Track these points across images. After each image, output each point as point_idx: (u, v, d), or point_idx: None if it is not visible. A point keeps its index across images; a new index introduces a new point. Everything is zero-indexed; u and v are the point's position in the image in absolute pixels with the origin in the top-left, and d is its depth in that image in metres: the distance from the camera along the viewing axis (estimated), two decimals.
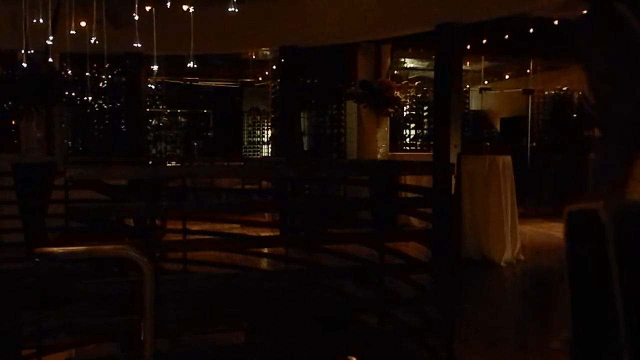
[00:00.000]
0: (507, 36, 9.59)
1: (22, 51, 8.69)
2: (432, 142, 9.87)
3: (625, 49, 1.44)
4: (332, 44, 10.20)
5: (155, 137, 14.33)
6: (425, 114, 12.89)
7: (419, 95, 12.89)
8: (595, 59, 1.47)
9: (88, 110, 12.92)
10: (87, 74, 9.97)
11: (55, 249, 1.80)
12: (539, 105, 12.69)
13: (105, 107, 13.06)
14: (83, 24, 8.75)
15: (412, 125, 12.83)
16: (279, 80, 11.32)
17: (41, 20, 8.40)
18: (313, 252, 5.42)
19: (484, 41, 9.64)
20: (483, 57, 12.11)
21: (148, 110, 12.97)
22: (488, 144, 8.09)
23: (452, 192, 4.38)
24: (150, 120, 13.94)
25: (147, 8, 8.33)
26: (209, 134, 15.89)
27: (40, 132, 10.03)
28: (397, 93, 10.11)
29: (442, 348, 3.25)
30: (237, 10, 7.55)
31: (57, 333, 4.69)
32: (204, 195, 9.15)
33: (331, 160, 10.71)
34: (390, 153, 10.58)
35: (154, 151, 13.98)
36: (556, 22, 8.71)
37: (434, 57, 9.07)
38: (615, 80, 1.44)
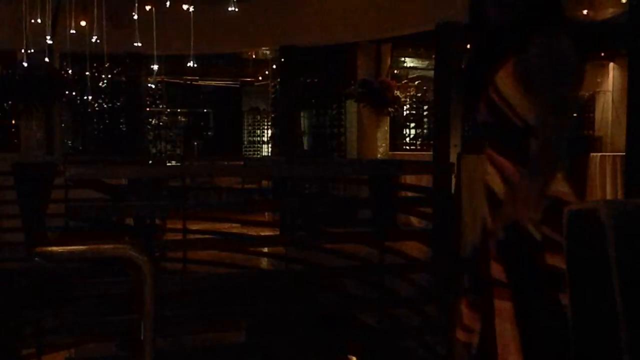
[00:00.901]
0: None
1: (22, 51, 8.70)
2: (432, 142, 9.86)
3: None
4: (332, 44, 10.19)
5: (155, 136, 14.33)
6: (425, 113, 12.87)
7: (419, 95, 12.86)
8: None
9: (88, 110, 12.92)
10: (87, 73, 9.98)
11: (55, 248, 1.79)
12: None
13: (105, 106, 13.07)
14: (83, 23, 8.76)
15: (412, 125, 12.80)
16: (279, 80, 11.32)
17: (39, 21, 8.40)
18: (313, 252, 5.41)
19: None
20: None
21: (148, 109, 12.97)
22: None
23: (452, 191, 4.37)
24: (150, 120, 13.94)
25: (147, 8, 8.33)
26: (209, 133, 15.89)
27: (40, 131, 10.02)
28: (397, 92, 10.10)
29: (441, 347, 3.25)
30: (237, 10, 7.55)
31: (57, 333, 4.70)
32: (204, 195, 9.14)
33: (331, 159, 10.70)
34: (390, 152, 10.56)
35: (154, 150, 13.98)
36: None
37: (434, 56, 9.06)
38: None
